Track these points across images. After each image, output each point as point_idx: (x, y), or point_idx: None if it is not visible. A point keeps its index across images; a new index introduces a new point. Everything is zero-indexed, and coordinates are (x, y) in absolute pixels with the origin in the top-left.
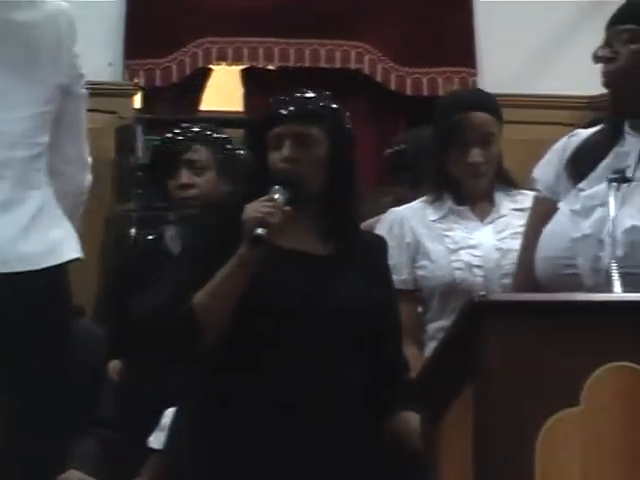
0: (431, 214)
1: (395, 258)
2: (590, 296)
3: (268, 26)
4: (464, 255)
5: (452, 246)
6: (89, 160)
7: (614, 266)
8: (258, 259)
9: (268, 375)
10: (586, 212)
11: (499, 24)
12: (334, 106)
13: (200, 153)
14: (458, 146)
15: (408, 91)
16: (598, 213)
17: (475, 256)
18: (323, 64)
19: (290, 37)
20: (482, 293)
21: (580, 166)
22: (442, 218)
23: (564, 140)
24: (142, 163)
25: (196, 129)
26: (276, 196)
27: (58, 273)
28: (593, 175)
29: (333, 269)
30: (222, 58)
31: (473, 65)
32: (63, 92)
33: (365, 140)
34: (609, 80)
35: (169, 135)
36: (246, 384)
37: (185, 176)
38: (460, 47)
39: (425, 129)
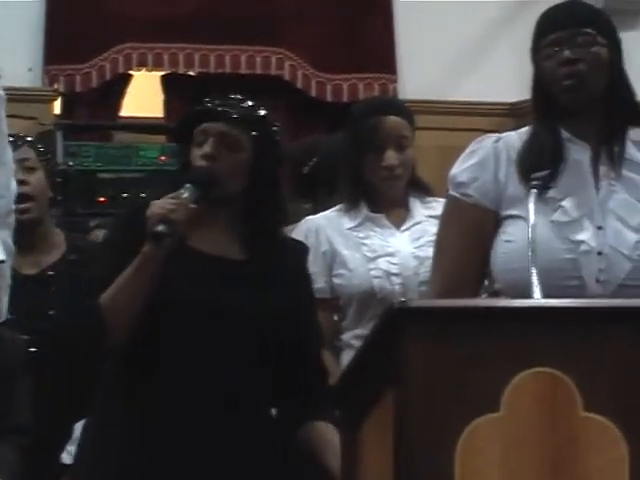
0: (347, 222)
1: (311, 267)
2: (510, 302)
3: (189, 32)
4: (382, 263)
5: (370, 254)
6: (12, 163)
7: (534, 273)
8: (161, 256)
9: (168, 378)
10: (575, 224)
11: (419, 31)
12: (263, 114)
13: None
14: (373, 150)
15: (329, 97)
16: (589, 225)
17: (393, 264)
18: (244, 70)
19: (211, 43)
20: (403, 299)
21: (540, 176)
22: (358, 226)
23: (490, 145)
24: (62, 169)
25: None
26: (184, 193)
27: None
28: (560, 185)
29: (247, 274)
30: (142, 64)
31: (393, 71)
32: None
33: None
34: (575, 83)
35: None
36: (148, 387)
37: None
38: (380, 54)
39: (330, 137)
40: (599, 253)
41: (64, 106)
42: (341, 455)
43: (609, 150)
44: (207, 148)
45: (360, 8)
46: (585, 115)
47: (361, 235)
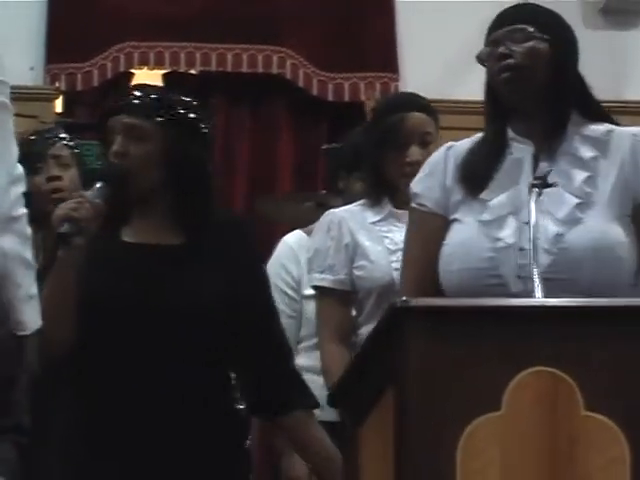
0: (370, 216)
1: (332, 258)
2: (512, 302)
3: (190, 31)
4: None
5: (391, 247)
6: (17, 170)
7: (535, 272)
8: (73, 256)
9: (104, 375)
10: (499, 222)
11: (421, 31)
12: (174, 99)
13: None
14: (396, 146)
15: (330, 96)
16: (512, 222)
17: None
18: (245, 69)
19: (212, 42)
20: (404, 298)
21: (475, 178)
22: (381, 220)
23: (442, 153)
24: None
25: None
26: (90, 191)
27: None
28: (493, 185)
29: (180, 259)
30: (144, 62)
31: (395, 71)
32: None
33: (287, 145)
34: (508, 77)
35: None
36: (86, 386)
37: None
38: (382, 53)
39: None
40: (521, 249)
41: (65, 104)
42: (342, 453)
43: (551, 146)
44: (115, 146)
45: (361, 7)
46: (530, 112)
47: (384, 229)
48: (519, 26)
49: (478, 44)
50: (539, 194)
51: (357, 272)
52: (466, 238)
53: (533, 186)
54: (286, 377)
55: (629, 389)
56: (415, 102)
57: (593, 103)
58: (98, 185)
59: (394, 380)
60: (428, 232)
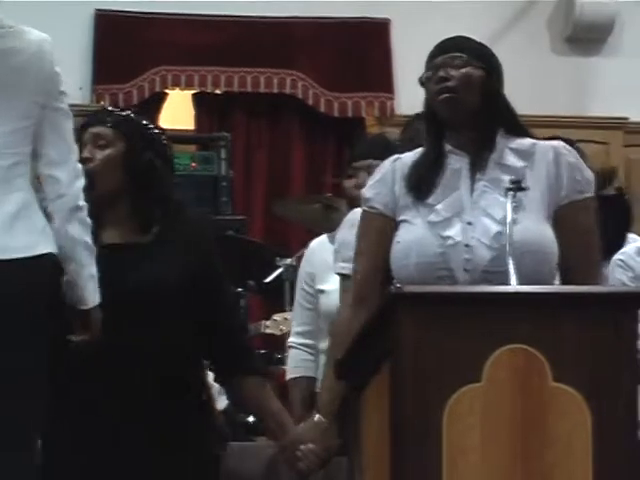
0: None
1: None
2: (491, 289)
3: (215, 56)
4: None
5: None
6: (78, 166)
7: (511, 264)
8: None
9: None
10: (445, 222)
11: (412, 57)
12: (131, 115)
13: None
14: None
15: (335, 113)
16: (457, 222)
17: None
18: (262, 89)
19: (235, 66)
20: (398, 285)
21: (421, 185)
22: None
23: (389, 164)
24: None
25: None
26: None
27: (36, 267)
28: (437, 192)
29: (141, 254)
30: (176, 84)
31: (391, 90)
32: (43, 107)
33: (298, 154)
34: (447, 98)
35: None
36: (59, 375)
37: None
38: (379, 76)
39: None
40: (466, 245)
41: None
42: (348, 415)
43: (483, 157)
44: (84, 152)
45: (362, 37)
46: (464, 128)
47: None
48: (457, 54)
49: None
50: (514, 196)
51: None
52: (418, 236)
53: (509, 189)
54: (237, 347)
55: (592, 364)
56: None
57: (517, 121)
58: None
59: (390, 355)
60: (376, 231)
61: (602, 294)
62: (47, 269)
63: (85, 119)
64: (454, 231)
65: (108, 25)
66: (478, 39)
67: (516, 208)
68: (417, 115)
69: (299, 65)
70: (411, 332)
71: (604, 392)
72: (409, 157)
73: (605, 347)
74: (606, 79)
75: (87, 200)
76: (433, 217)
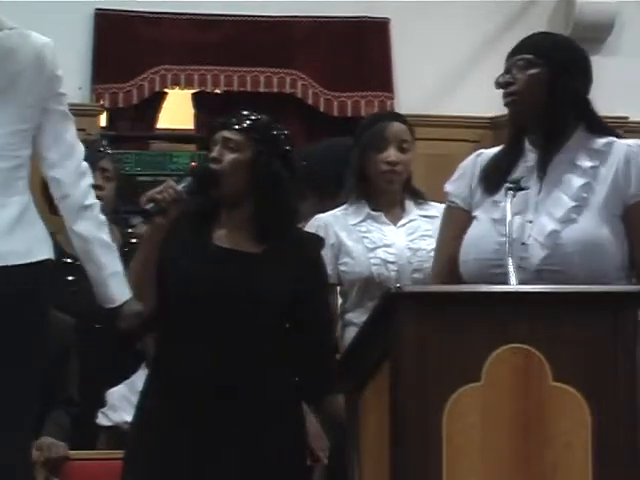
0: (351, 219)
1: None
2: (489, 288)
3: (215, 56)
4: (380, 253)
5: (370, 245)
6: (83, 165)
7: (510, 262)
8: (156, 228)
9: (182, 349)
10: (506, 220)
11: (411, 58)
12: (265, 121)
13: None
14: (377, 148)
15: (335, 112)
16: (518, 220)
17: (390, 254)
18: (262, 89)
19: (234, 65)
20: (398, 285)
21: (492, 181)
22: (361, 222)
23: (472, 159)
24: None
25: None
26: (175, 183)
27: (35, 271)
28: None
29: (259, 265)
30: (176, 83)
31: (390, 90)
32: (42, 110)
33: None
34: (509, 101)
35: None
36: (167, 357)
37: None
38: (379, 75)
39: (315, 145)
40: (523, 243)
41: (109, 119)
42: (345, 416)
43: (553, 156)
44: (213, 152)
45: (362, 37)
46: (537, 128)
47: (363, 229)
48: (523, 56)
49: (461, 67)
50: (513, 195)
51: (341, 267)
52: (480, 233)
53: (508, 189)
54: (324, 367)
55: (591, 363)
56: (396, 116)
57: (595, 119)
58: (187, 179)
59: (390, 354)
60: (455, 223)
61: (602, 293)
62: (45, 275)
63: (218, 120)
64: (513, 229)
65: (108, 24)
66: (477, 39)
67: (578, 208)
68: None
69: (299, 64)
70: (411, 332)
71: (604, 392)
72: (491, 152)
73: (605, 347)
74: (606, 79)
75: (208, 198)
76: (496, 214)
